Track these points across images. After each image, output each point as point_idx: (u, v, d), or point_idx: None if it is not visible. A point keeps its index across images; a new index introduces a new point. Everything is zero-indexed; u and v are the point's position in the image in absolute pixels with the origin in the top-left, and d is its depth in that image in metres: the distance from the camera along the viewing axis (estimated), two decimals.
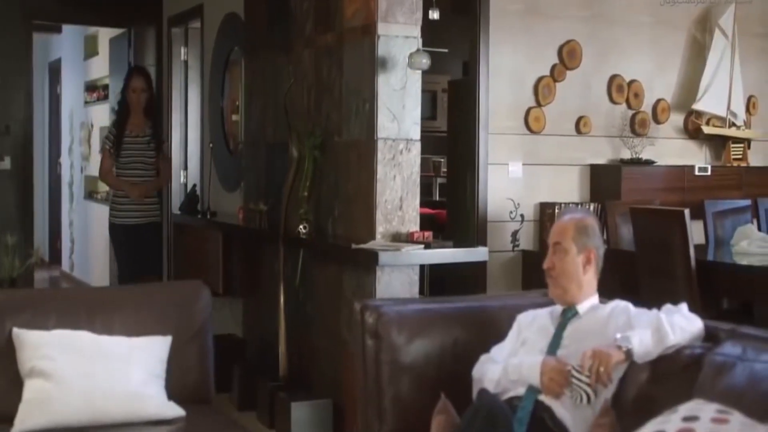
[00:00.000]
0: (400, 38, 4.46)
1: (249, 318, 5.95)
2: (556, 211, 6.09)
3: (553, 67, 6.29)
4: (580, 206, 6.15)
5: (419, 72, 4.49)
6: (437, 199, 8.06)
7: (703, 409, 2.35)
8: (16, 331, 3.11)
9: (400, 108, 4.48)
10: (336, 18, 4.83)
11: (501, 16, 6.10)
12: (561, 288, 2.96)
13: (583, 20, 6.37)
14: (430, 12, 4.57)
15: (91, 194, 10.10)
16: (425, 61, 4.37)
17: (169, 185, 7.84)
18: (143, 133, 6.46)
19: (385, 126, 4.46)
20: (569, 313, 2.95)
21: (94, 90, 9.92)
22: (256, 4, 5.91)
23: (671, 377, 2.70)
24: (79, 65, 10.53)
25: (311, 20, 5.11)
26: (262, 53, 5.82)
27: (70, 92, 11.04)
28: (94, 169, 9.95)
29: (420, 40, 4.48)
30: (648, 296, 4.77)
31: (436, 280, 5.39)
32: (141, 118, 6.46)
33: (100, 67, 9.70)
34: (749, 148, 7.00)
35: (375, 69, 4.43)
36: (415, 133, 4.54)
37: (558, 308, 3.01)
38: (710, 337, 2.79)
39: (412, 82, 4.51)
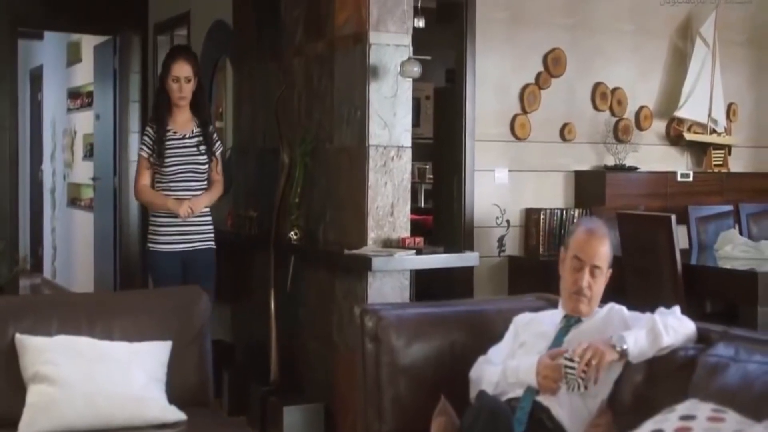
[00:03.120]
0: (391, 47, 4.52)
1: (238, 323, 5.99)
2: (542, 216, 6.18)
3: (538, 74, 6.37)
4: (565, 212, 6.24)
5: (410, 80, 4.56)
6: (422, 205, 8.12)
7: (699, 408, 2.42)
8: (18, 336, 3.14)
9: (391, 115, 4.54)
10: (327, 26, 4.88)
11: (486, 25, 6.18)
12: (589, 306, 3.01)
13: (567, 28, 6.47)
14: (416, 20, 4.63)
15: (74, 201, 10.10)
16: (416, 70, 4.43)
17: None
18: (191, 134, 4.91)
19: (376, 133, 4.51)
20: (572, 320, 3.02)
21: (78, 97, 9.92)
22: (245, 12, 5.96)
23: (666, 378, 2.77)
24: (62, 72, 10.52)
25: (301, 28, 5.16)
26: (251, 60, 5.86)
27: (52, 99, 11.03)
28: (77, 176, 9.97)
29: (411, 49, 4.54)
30: (634, 299, 4.84)
31: (423, 286, 5.45)
32: (186, 114, 4.93)
33: (83, 74, 9.71)
34: (730, 154, 7.13)
35: (366, 77, 4.48)
36: (406, 140, 4.60)
37: (558, 313, 3.07)
38: (702, 338, 2.86)
39: (402, 90, 4.57)
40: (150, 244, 4.90)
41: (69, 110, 10.25)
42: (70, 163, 10.24)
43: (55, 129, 10.87)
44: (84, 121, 9.64)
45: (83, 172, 9.60)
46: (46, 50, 11.09)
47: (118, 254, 8.21)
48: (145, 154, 4.86)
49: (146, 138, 4.89)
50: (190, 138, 4.89)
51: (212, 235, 4.98)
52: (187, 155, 4.86)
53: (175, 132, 4.88)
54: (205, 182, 4.93)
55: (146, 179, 4.89)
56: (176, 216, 4.78)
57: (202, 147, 4.89)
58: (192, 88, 4.88)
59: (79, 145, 9.92)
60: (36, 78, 11.76)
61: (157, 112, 4.97)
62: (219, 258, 5.87)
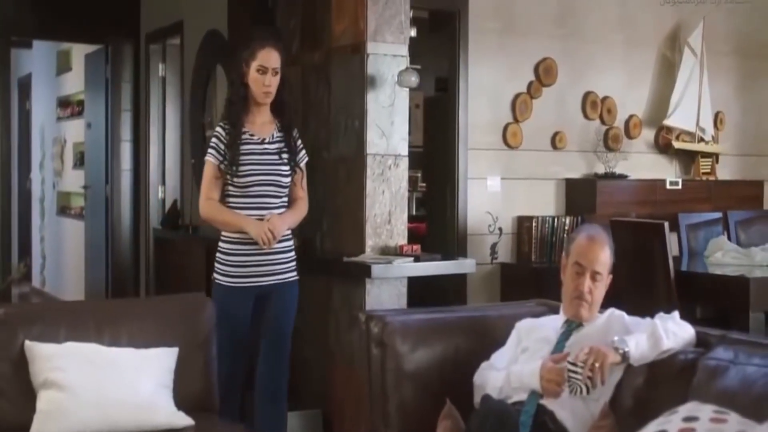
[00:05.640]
0: (388, 57, 4.59)
1: None
2: (533, 224, 6.25)
3: (530, 84, 6.45)
4: (556, 220, 6.32)
5: (407, 89, 4.63)
6: (414, 213, 8.18)
7: (702, 409, 2.48)
8: (28, 343, 3.17)
9: (388, 124, 4.61)
10: (323, 36, 4.94)
11: (478, 34, 6.25)
12: (590, 312, 3.08)
13: (558, 38, 6.55)
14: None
15: (63, 210, 10.11)
16: (414, 79, 4.52)
17: (142, 198, 7.91)
18: (271, 138, 4.00)
19: (374, 142, 4.58)
20: (573, 325, 3.08)
21: (68, 106, 9.93)
22: (240, 21, 6.00)
23: (667, 381, 2.83)
24: (51, 81, 10.54)
25: (298, 38, 5.22)
26: None
27: (41, 108, 11.03)
28: (67, 184, 9.97)
29: (408, 59, 4.61)
30: (627, 305, 4.89)
31: (415, 293, 5.50)
32: (266, 115, 4.01)
33: (73, 83, 9.73)
34: (717, 162, 7.22)
35: (364, 87, 4.55)
36: (403, 148, 4.67)
37: (559, 318, 3.14)
38: (702, 342, 2.93)
39: (400, 99, 4.64)
40: (217, 276, 3.97)
41: (59, 119, 10.26)
42: (60, 172, 10.25)
43: (44, 138, 10.87)
44: (74, 130, 9.65)
45: (73, 180, 9.61)
46: (35, 59, 11.10)
47: (109, 262, 8.23)
48: (214, 161, 3.90)
49: (216, 141, 3.93)
50: (270, 143, 3.97)
51: (295, 263, 4.05)
52: (268, 164, 3.94)
53: (252, 135, 3.96)
54: (286, 199, 4.02)
55: (215, 192, 3.93)
56: (258, 242, 3.85)
57: (284, 155, 3.98)
58: (277, 82, 3.98)
59: (68, 154, 9.93)
60: (24, 87, 11.75)
61: (232, 109, 3.98)
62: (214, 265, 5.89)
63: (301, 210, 4.09)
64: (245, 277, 3.92)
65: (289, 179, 3.99)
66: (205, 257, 5.88)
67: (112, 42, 8.16)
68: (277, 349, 4.05)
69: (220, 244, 3.98)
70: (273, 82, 3.92)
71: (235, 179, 3.89)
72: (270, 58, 3.91)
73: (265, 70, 3.90)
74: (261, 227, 3.83)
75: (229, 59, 6.13)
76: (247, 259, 3.90)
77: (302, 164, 4.09)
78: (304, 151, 4.12)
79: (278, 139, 3.99)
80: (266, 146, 3.95)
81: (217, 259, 3.99)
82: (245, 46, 3.98)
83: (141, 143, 7.99)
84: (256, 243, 3.86)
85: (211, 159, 3.91)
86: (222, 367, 3.68)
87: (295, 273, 4.04)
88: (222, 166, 3.90)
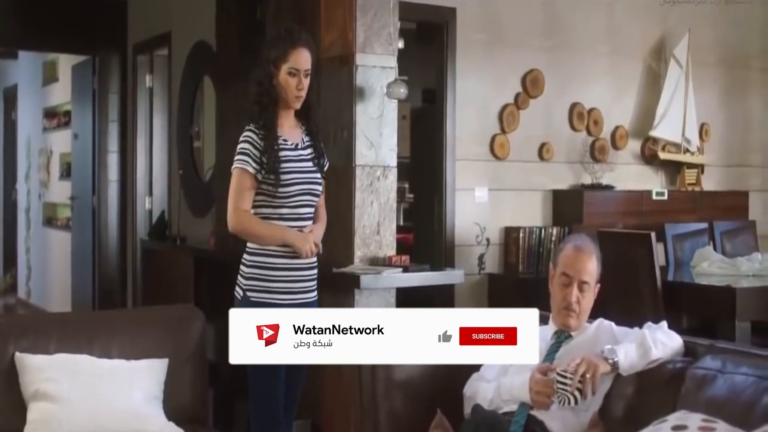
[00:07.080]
0: (377, 68, 4.61)
1: (221, 341, 5.99)
2: (521, 235, 6.28)
3: (517, 95, 6.48)
4: (543, 231, 6.35)
5: (395, 101, 4.66)
6: (401, 223, 8.19)
7: (690, 418, 2.51)
8: (18, 355, 3.18)
9: (377, 136, 4.63)
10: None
11: (466, 46, 6.28)
12: (578, 320, 3.10)
13: (545, 50, 6.59)
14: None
15: (49, 221, 10.08)
16: (403, 91, 4.54)
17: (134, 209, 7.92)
18: (302, 144, 3.62)
19: (363, 153, 4.60)
20: (563, 335, 3.11)
21: (54, 116, 9.90)
22: (229, 33, 6.01)
23: (656, 390, 2.85)
24: (37, 91, 10.51)
25: None
26: (235, 81, 5.91)
27: (28, 119, 11.00)
28: (53, 195, 9.94)
29: (397, 70, 4.64)
30: (614, 315, 4.92)
31: (403, 303, 5.51)
32: (293, 118, 3.64)
33: (60, 94, 9.71)
34: (702, 173, 7.27)
35: (353, 98, 4.57)
36: (392, 160, 4.69)
37: (548, 329, 3.16)
38: (690, 352, 2.96)
39: (388, 110, 4.66)
40: (252, 293, 3.51)
41: (45, 130, 10.23)
42: (46, 183, 10.21)
43: (30, 148, 10.84)
44: (61, 141, 9.63)
45: (60, 191, 9.58)
46: (21, 69, 11.09)
47: (96, 274, 8.21)
48: (251, 170, 3.46)
49: (249, 147, 3.49)
50: (303, 149, 3.60)
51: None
52: (306, 172, 3.57)
53: (285, 140, 3.56)
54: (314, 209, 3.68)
55: (246, 202, 3.49)
56: (294, 254, 3.50)
57: (315, 161, 3.63)
58: (308, 84, 3.61)
59: (55, 165, 9.90)
60: (10, 97, 11.74)
61: (264, 113, 3.53)
62: (202, 276, 5.90)
63: (325, 219, 3.74)
64: (284, 293, 3.51)
65: (321, 187, 3.63)
66: (192, 268, 5.90)
67: (100, 53, 8.16)
68: (293, 372, 3.67)
69: (252, 258, 3.54)
70: (305, 84, 3.56)
71: (276, 189, 3.48)
72: (302, 59, 3.53)
73: (296, 72, 3.52)
74: (308, 239, 3.50)
75: (218, 69, 6.18)
76: (288, 274, 3.50)
77: (325, 170, 3.73)
78: (325, 156, 3.75)
79: (308, 144, 3.62)
80: (300, 152, 3.57)
81: (248, 274, 3.54)
82: (273, 46, 3.58)
83: (128, 154, 7.98)
84: (290, 256, 3.50)
85: (247, 168, 3.46)
86: (257, 387, 3.50)
87: (316, 292, 3.67)
88: (259, 176, 3.46)
